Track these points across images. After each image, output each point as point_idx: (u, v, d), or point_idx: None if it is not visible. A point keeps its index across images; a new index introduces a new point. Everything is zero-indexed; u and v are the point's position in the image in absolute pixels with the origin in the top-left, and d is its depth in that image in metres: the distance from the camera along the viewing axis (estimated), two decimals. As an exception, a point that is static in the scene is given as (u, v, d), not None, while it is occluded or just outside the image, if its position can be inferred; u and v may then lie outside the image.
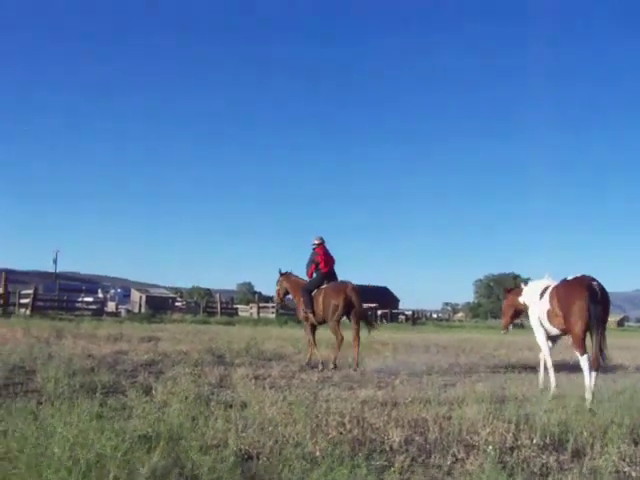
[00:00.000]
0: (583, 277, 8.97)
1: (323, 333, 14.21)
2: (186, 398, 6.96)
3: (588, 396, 8.42)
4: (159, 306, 43.77)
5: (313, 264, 13.58)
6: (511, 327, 12.26)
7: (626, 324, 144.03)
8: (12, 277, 42.26)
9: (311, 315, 13.21)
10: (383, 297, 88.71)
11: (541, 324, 9.75)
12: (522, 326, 33.50)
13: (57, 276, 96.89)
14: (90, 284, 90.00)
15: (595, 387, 8.64)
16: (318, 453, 4.89)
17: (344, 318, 13.11)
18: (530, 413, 6.91)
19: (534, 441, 5.89)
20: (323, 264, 13.50)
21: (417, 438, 5.96)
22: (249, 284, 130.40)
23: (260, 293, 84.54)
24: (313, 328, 13.46)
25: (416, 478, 4.56)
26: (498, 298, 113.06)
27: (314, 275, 13.59)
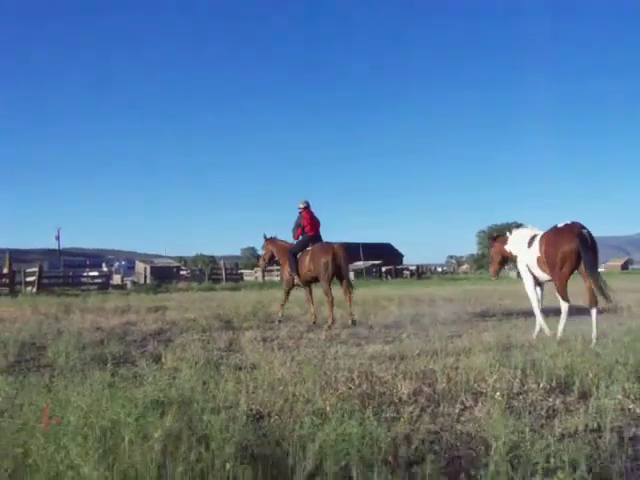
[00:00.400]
0: (573, 224, 9.27)
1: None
2: (196, 363, 7.04)
3: (593, 335, 8.78)
4: (164, 276, 43.97)
5: (299, 227, 14.00)
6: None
7: (630, 267, 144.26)
8: (16, 256, 42.56)
9: (296, 277, 13.69)
10: (387, 253, 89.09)
11: (529, 271, 10.11)
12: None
13: (61, 252, 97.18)
14: (94, 258, 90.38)
15: (597, 327, 9.00)
16: (328, 408, 4.96)
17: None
18: (536, 359, 6.99)
19: (540, 385, 5.97)
20: (309, 227, 13.89)
21: (425, 389, 6.04)
22: (253, 249, 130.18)
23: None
24: (289, 289, 14.14)
25: (425, 427, 4.63)
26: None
27: (300, 237, 14.00)
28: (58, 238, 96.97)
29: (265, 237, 14.99)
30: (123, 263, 65.65)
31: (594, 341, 8.56)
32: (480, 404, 5.33)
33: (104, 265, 59.60)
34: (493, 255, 11.72)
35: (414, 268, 65.90)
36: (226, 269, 47.05)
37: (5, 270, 36.26)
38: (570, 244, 9.05)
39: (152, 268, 48.03)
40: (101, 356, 8.18)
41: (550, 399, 5.60)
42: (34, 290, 31.10)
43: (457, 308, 16.07)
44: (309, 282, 13.82)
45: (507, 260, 11.56)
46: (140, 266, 52.23)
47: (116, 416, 3.86)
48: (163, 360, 7.69)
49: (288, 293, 14.24)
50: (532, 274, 10.11)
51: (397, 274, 59.83)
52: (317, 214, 14.28)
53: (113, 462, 3.30)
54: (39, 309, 17.48)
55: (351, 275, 58.29)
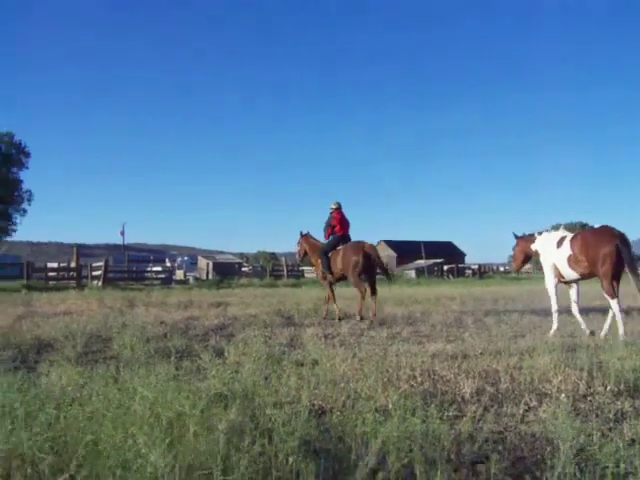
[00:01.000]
0: (608, 226, 9.89)
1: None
2: (258, 358, 7.11)
3: (621, 332, 9.35)
4: (226, 272, 44.47)
5: (330, 227, 14.74)
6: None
7: None
8: (83, 251, 43.60)
9: (329, 275, 14.44)
10: (449, 252, 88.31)
11: (555, 269, 10.62)
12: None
13: (125, 248, 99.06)
14: (158, 254, 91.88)
15: None
16: (390, 406, 4.95)
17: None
18: (603, 361, 6.85)
19: (608, 388, 5.85)
20: (339, 227, 14.66)
21: (488, 388, 5.97)
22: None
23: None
24: (331, 285, 14.61)
25: (489, 426, 4.58)
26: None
27: (331, 237, 14.75)
28: (123, 233, 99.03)
29: (301, 233, 15.59)
30: (186, 259, 66.60)
31: (622, 334, 9.26)
32: (545, 405, 5.24)
33: (167, 260, 60.53)
34: (517, 253, 12.18)
35: (476, 267, 65.18)
36: (287, 266, 47.27)
37: (73, 264, 37.29)
38: (611, 244, 9.51)
39: (214, 264, 48.64)
40: (165, 349, 8.31)
41: (618, 402, 5.46)
42: (100, 284, 31.85)
43: (520, 307, 15.84)
44: (340, 280, 14.62)
45: (529, 258, 12.17)
46: (202, 262, 52.93)
47: (181, 408, 3.92)
48: (226, 354, 7.77)
49: (332, 289, 14.62)
50: (559, 272, 10.57)
51: (459, 273, 59.22)
52: (348, 215, 15.07)
53: (179, 452, 3.35)
54: (105, 302, 17.91)
55: (412, 273, 58.52)
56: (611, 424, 4.82)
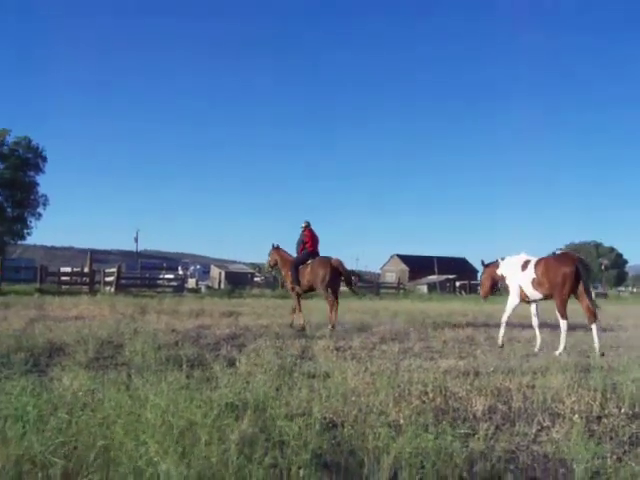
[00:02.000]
0: (568, 253, 11.10)
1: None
2: (269, 369, 7.09)
3: (561, 348, 10.41)
4: (238, 281, 44.49)
5: (302, 244, 15.84)
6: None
7: None
8: (96, 256, 43.82)
9: (297, 287, 15.39)
10: (462, 268, 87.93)
11: (520, 290, 11.54)
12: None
13: (139, 254, 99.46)
14: (170, 261, 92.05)
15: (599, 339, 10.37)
16: (402, 421, 4.93)
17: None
18: (617, 382, 6.80)
19: (622, 410, 5.80)
20: (310, 244, 15.78)
21: (501, 406, 5.94)
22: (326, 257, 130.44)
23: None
24: (298, 297, 15.50)
25: (502, 445, 4.54)
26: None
27: (303, 253, 15.73)
28: (136, 240, 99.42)
29: (273, 245, 16.74)
30: (198, 267, 66.61)
31: (597, 352, 9.96)
32: (558, 425, 5.19)
33: (180, 268, 60.59)
34: (484, 280, 13.05)
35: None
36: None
37: (86, 269, 37.41)
38: (570, 268, 10.56)
39: (227, 273, 48.72)
40: (176, 357, 8.29)
41: (633, 425, 5.40)
42: (112, 290, 31.89)
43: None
44: (307, 292, 15.76)
45: (497, 283, 12.76)
46: (215, 271, 53.02)
47: (193, 417, 3.91)
48: (237, 364, 7.76)
49: (298, 300, 15.48)
50: (524, 293, 11.50)
51: (471, 289, 58.92)
52: (317, 232, 16.20)
53: (191, 461, 3.34)
54: (117, 308, 17.92)
55: (424, 288, 58.38)
56: (626, 447, 4.77)
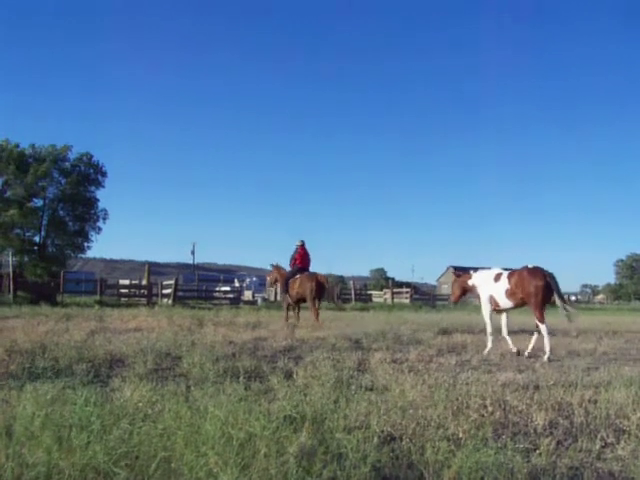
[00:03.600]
0: (538, 267, 11.98)
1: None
2: (327, 381, 7.08)
3: (547, 351, 11.37)
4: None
5: (293, 260, 18.22)
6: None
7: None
8: (154, 269, 44.51)
9: (287, 296, 17.95)
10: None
11: (492, 301, 12.61)
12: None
13: (195, 267, 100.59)
14: (227, 274, 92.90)
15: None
16: (461, 435, 4.87)
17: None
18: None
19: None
20: (300, 260, 18.14)
21: (562, 421, 5.82)
22: (382, 270, 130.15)
23: (394, 279, 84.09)
24: (288, 306, 18.27)
25: (564, 461, 4.45)
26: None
27: (294, 268, 18.13)
28: (193, 253, 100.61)
29: (272, 265, 19.30)
30: (254, 279, 67.10)
31: (547, 353, 11.28)
32: (623, 442, 5.05)
33: (236, 281, 61.10)
34: (454, 288, 14.13)
35: None
36: (355, 289, 47.11)
37: (144, 282, 38.03)
38: (543, 280, 11.68)
39: (282, 285, 48.75)
40: (233, 369, 8.35)
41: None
42: (170, 302, 32.34)
43: (593, 339, 15.42)
44: (298, 302, 17.86)
45: (466, 292, 13.86)
46: (271, 283, 53.10)
47: (252, 429, 3.93)
48: (294, 376, 7.78)
49: (287, 309, 18.43)
50: (495, 303, 12.55)
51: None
52: (310, 251, 18.70)
53: (250, 474, 3.35)
54: (174, 320, 18.14)
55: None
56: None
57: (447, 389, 6.76)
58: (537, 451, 4.61)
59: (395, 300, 44.34)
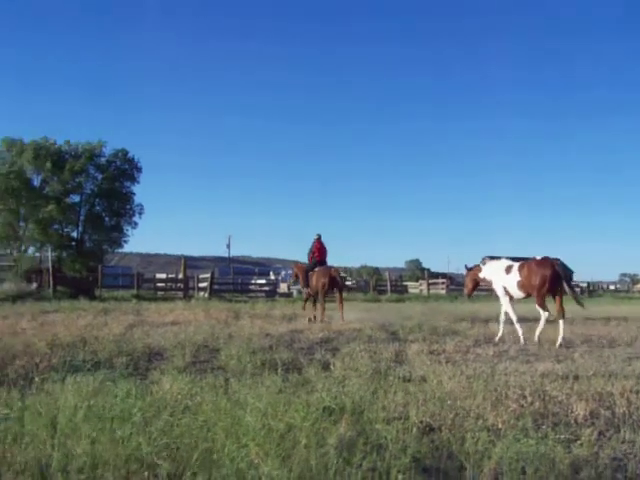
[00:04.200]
0: (547, 257, 12.26)
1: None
2: (364, 373, 7.08)
3: (560, 339, 11.58)
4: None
5: (311, 253, 19.02)
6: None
7: None
8: (190, 263, 44.74)
9: (307, 289, 18.84)
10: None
11: (506, 291, 12.85)
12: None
13: (231, 260, 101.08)
14: (262, 267, 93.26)
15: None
16: (501, 425, 4.84)
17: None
18: None
19: None
20: (317, 254, 18.91)
21: (603, 412, 5.74)
22: (417, 261, 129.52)
23: (429, 269, 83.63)
24: (308, 297, 19.17)
25: (607, 452, 4.39)
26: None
27: (312, 261, 18.94)
28: (229, 246, 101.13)
29: (295, 263, 21.17)
30: (290, 272, 67.23)
31: (559, 342, 11.45)
32: (669, 433, 4.98)
33: (272, 273, 61.23)
34: (467, 281, 14.75)
35: (584, 285, 62.84)
36: (391, 281, 47.00)
37: (180, 275, 38.30)
38: (551, 270, 11.89)
39: (317, 277, 48.74)
40: (271, 361, 8.38)
41: None
42: (206, 295, 32.56)
43: (633, 328, 15.21)
44: (316, 294, 18.31)
45: (478, 284, 14.45)
46: (306, 275, 53.12)
47: (292, 420, 3.95)
48: (331, 368, 7.80)
49: (306, 300, 19.49)
50: (509, 294, 12.81)
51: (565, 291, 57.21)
52: (327, 245, 19.40)
53: (292, 464, 3.37)
54: (211, 313, 18.29)
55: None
56: None
57: (485, 380, 6.73)
58: (578, 442, 4.55)
59: (431, 291, 44.14)
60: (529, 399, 5.98)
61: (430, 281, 47.56)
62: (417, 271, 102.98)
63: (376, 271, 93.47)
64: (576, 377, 7.39)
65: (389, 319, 16.26)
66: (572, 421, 5.42)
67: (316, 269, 18.43)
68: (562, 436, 4.79)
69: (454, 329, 14.03)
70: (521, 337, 12.30)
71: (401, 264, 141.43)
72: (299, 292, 42.44)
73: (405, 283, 55.15)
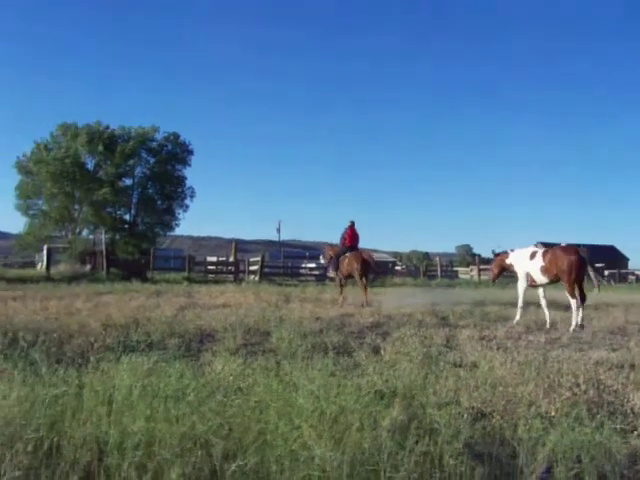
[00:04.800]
0: (571, 244, 13.37)
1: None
2: (415, 357, 7.07)
3: (573, 324, 12.05)
4: (379, 270, 44.45)
5: (343, 239, 19.47)
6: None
7: None
8: (240, 246, 45.08)
9: (338, 272, 19.08)
10: (610, 256, 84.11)
11: (528, 277, 13.39)
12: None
13: (281, 244, 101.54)
14: (312, 250, 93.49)
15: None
16: (554, 413, 4.79)
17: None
18: None
19: None
20: (349, 239, 19.32)
21: (661, 403, 5.63)
22: (468, 246, 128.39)
23: (480, 255, 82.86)
24: (340, 281, 19.24)
25: (665, 444, 4.31)
26: None
27: (343, 246, 19.36)
28: (279, 230, 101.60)
29: (328, 244, 21.40)
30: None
31: (572, 327, 11.87)
32: None
33: (322, 257, 61.33)
34: (494, 267, 15.40)
35: (614, 272, 61.35)
36: (441, 266, 46.70)
37: (231, 259, 38.68)
38: (575, 256, 12.46)
39: (368, 262, 48.68)
40: (321, 345, 8.43)
41: None
42: (256, 278, 32.81)
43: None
44: (347, 278, 19.01)
45: (504, 270, 14.93)
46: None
47: (344, 403, 3.96)
48: (382, 352, 7.80)
49: (340, 284, 19.33)
50: (532, 278, 13.28)
51: (621, 279, 56.23)
52: (359, 231, 19.75)
53: (344, 446, 3.39)
54: (261, 297, 18.44)
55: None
56: None
57: (537, 367, 6.65)
58: (635, 432, 4.49)
59: (482, 277, 43.69)
60: (583, 387, 5.90)
61: (481, 267, 47.04)
62: (467, 256, 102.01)
63: (426, 256, 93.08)
64: (632, 366, 7.27)
65: (440, 304, 16.12)
66: (629, 411, 5.32)
67: (347, 254, 18.89)
68: (618, 426, 4.71)
69: (505, 315, 13.90)
70: (516, 318, 13.05)
71: (451, 249, 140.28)
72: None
73: (455, 269, 54.77)
